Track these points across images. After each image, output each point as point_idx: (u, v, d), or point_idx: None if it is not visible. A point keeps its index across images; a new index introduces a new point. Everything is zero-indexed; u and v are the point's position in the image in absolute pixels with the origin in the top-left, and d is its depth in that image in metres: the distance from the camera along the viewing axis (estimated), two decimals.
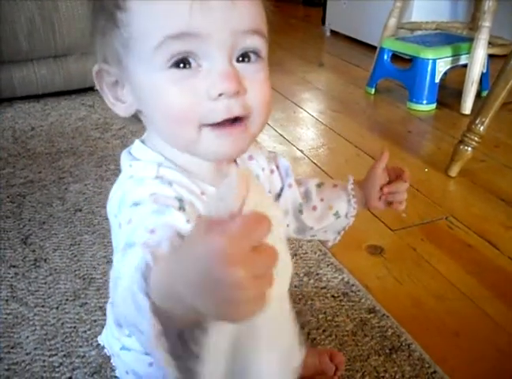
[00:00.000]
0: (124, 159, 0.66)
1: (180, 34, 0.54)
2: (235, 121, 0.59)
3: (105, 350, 0.86)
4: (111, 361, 0.83)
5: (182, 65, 0.56)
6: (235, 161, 0.70)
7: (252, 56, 0.59)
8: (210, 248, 0.34)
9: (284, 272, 0.43)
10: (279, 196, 0.78)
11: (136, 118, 0.66)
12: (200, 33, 0.54)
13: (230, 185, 0.39)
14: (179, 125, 0.59)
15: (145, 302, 0.42)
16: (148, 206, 0.55)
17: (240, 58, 0.58)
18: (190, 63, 0.56)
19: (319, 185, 0.83)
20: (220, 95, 0.56)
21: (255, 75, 0.59)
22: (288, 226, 0.81)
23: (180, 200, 0.57)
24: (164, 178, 0.60)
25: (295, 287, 1.14)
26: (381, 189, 0.82)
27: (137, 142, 0.67)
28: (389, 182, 0.82)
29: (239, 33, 0.57)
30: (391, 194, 0.81)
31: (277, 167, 0.78)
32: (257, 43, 0.59)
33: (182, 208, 0.57)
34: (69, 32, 2.03)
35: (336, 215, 0.82)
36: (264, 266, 0.35)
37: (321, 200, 0.82)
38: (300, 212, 0.81)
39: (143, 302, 0.42)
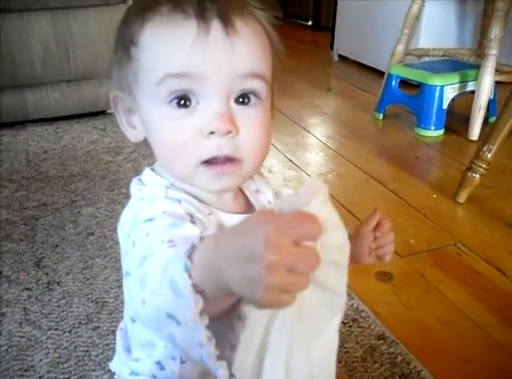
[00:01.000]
0: (134, 185, 0.68)
1: (180, 73, 0.57)
2: (228, 160, 0.60)
3: (115, 377, 0.87)
4: None
5: (181, 102, 0.59)
6: (240, 189, 0.72)
7: (251, 97, 0.61)
8: (258, 230, 0.38)
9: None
10: None
11: (147, 143, 0.69)
12: (198, 74, 0.57)
13: (308, 189, 0.44)
14: (175, 159, 0.61)
15: (187, 281, 0.43)
16: (164, 220, 0.57)
17: (240, 99, 0.60)
18: (189, 100, 0.59)
19: None
20: (212, 133, 0.58)
21: (251, 117, 0.61)
22: None
23: (191, 215, 0.60)
24: (173, 198, 0.62)
25: None
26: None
27: (146, 169, 0.69)
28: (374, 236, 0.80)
29: (237, 77, 0.58)
30: (380, 248, 0.80)
31: None
32: (257, 86, 0.60)
33: (193, 223, 0.58)
34: (82, 58, 2.07)
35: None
36: (301, 263, 0.37)
37: None
38: None
39: (184, 282, 0.43)
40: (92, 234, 1.43)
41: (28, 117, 2.13)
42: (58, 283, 1.24)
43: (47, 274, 1.27)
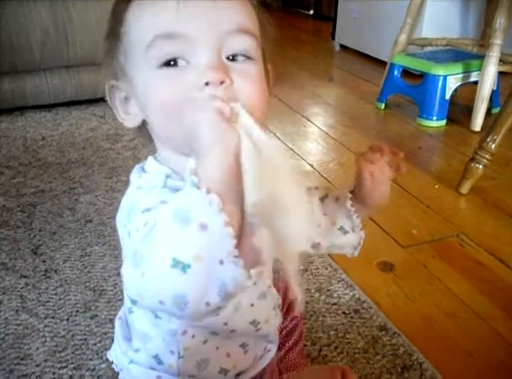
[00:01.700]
0: (134, 172, 0.67)
1: (168, 34, 0.57)
2: None
3: (113, 366, 0.86)
4: (119, 377, 0.82)
5: (172, 62, 0.58)
6: None
7: (240, 57, 0.60)
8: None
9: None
10: None
11: (145, 128, 0.67)
12: (187, 34, 0.57)
13: None
14: (171, 118, 0.58)
15: (198, 191, 0.47)
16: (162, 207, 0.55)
17: (231, 57, 0.59)
18: (180, 61, 0.58)
19: (322, 200, 0.80)
20: (207, 84, 0.56)
21: (244, 71, 0.60)
22: None
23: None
24: (172, 188, 0.60)
25: (306, 303, 1.13)
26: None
27: (149, 158, 0.68)
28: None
29: (225, 33, 0.58)
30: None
31: None
32: (247, 43, 0.60)
33: None
34: (81, 43, 2.05)
35: (342, 230, 0.79)
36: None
37: (325, 215, 0.79)
38: None
39: (196, 192, 0.47)
40: (90, 221, 1.42)
41: (27, 103, 2.11)
42: (56, 271, 1.22)
43: (44, 261, 1.25)
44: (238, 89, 0.58)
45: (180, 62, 0.58)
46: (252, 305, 0.71)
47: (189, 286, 0.46)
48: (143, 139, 0.70)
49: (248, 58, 0.60)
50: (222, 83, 0.56)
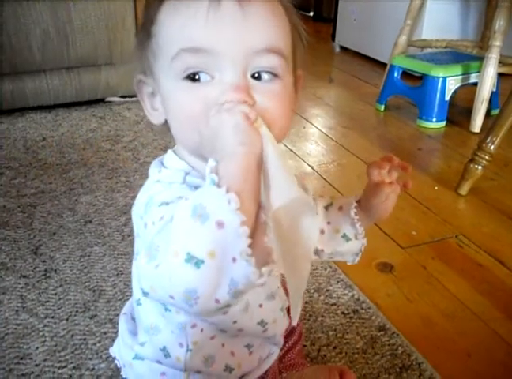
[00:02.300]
0: (154, 166, 0.68)
1: (193, 48, 0.56)
2: None
3: (116, 362, 0.86)
4: (122, 373, 0.82)
5: (196, 76, 0.57)
6: None
7: (265, 75, 0.59)
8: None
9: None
10: None
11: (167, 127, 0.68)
12: (212, 50, 0.56)
13: None
14: (190, 131, 0.59)
15: (218, 189, 0.48)
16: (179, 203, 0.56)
17: (256, 75, 0.58)
18: (204, 75, 0.57)
19: (327, 208, 0.82)
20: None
21: (269, 91, 0.59)
22: None
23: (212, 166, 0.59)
24: (191, 184, 0.61)
25: (306, 303, 1.13)
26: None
27: (169, 152, 0.68)
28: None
29: (253, 52, 0.57)
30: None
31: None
32: (274, 62, 0.59)
33: None
34: (82, 44, 2.05)
35: (345, 237, 0.80)
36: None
37: (328, 223, 0.81)
38: None
39: (215, 190, 0.48)
40: (90, 221, 1.42)
41: (27, 104, 2.11)
42: (56, 271, 1.22)
43: (44, 262, 1.25)
44: (260, 109, 0.57)
45: (203, 77, 0.57)
46: (260, 305, 0.72)
47: (201, 281, 0.47)
48: (166, 132, 0.70)
49: (274, 75, 0.59)
50: (244, 103, 0.56)
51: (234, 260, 0.46)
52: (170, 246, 0.48)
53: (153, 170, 0.67)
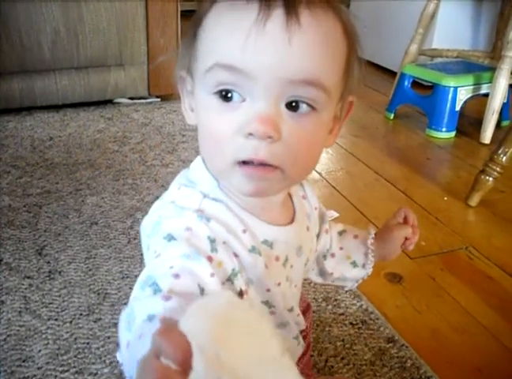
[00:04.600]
0: (178, 178, 0.66)
1: (228, 66, 0.53)
2: (264, 165, 0.55)
3: (121, 368, 0.84)
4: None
5: (228, 95, 0.54)
6: (290, 196, 0.69)
7: (303, 106, 0.55)
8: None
9: None
10: (317, 236, 0.77)
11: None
12: (248, 72, 0.52)
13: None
14: (214, 153, 0.58)
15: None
16: (180, 247, 0.54)
17: (293, 104, 0.54)
18: (235, 95, 0.54)
19: (341, 233, 0.83)
20: (251, 134, 0.53)
21: (300, 126, 0.55)
22: (312, 269, 0.82)
23: (212, 241, 0.57)
24: (205, 212, 0.59)
25: (313, 312, 1.11)
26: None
27: (198, 158, 0.66)
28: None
29: (290, 81, 0.53)
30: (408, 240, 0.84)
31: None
32: (313, 94, 0.54)
33: (214, 250, 0.56)
34: (92, 44, 2.04)
35: (354, 264, 0.83)
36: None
37: (341, 248, 0.82)
38: (324, 257, 0.81)
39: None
40: (96, 223, 1.40)
41: (35, 103, 2.10)
42: (60, 273, 1.21)
43: (48, 263, 1.24)
44: (285, 144, 0.54)
45: (236, 96, 0.54)
46: None
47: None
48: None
49: (312, 108, 0.55)
50: (267, 138, 0.53)
51: None
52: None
53: (175, 184, 0.64)
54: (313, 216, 0.74)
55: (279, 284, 0.65)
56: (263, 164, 0.55)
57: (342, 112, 0.63)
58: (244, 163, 0.55)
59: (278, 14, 0.51)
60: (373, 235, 0.82)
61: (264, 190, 0.59)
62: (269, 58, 0.51)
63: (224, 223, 0.59)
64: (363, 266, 0.82)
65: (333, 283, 0.88)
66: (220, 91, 0.54)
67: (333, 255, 0.81)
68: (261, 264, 0.61)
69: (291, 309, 0.71)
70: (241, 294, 0.59)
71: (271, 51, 0.51)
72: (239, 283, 0.59)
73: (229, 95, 0.54)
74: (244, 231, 0.60)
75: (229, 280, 0.58)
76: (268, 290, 0.64)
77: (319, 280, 0.85)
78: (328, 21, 0.55)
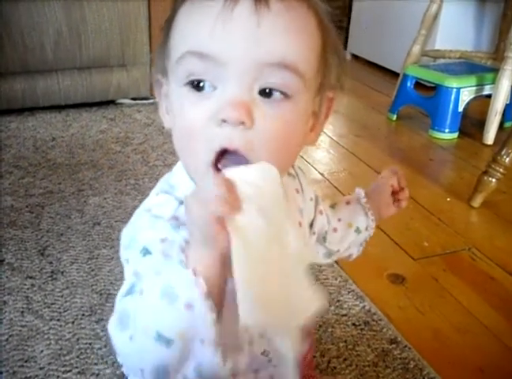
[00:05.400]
0: (160, 183, 0.64)
1: (198, 53, 0.52)
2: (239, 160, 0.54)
3: (123, 369, 0.84)
4: None
5: (199, 84, 0.53)
6: None
7: (277, 94, 0.53)
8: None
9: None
10: (311, 224, 0.76)
11: None
12: (218, 58, 0.51)
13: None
14: (188, 149, 0.56)
15: (186, 271, 0.47)
16: (155, 259, 0.53)
17: (267, 90, 0.53)
18: (206, 84, 0.53)
19: (333, 206, 0.82)
20: (224, 121, 0.52)
21: (274, 112, 0.53)
22: (318, 253, 0.81)
23: (187, 241, 0.55)
24: (180, 219, 0.56)
25: None
26: (392, 194, 0.82)
27: (179, 162, 0.64)
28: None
29: (262, 65, 0.51)
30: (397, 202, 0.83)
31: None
32: (286, 79, 0.52)
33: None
34: (94, 45, 2.05)
35: (357, 231, 0.82)
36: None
37: (339, 220, 0.81)
38: (324, 239, 0.80)
39: (183, 272, 0.47)
40: (99, 224, 1.40)
41: (38, 104, 2.10)
42: (62, 273, 1.21)
43: (50, 263, 1.24)
44: (259, 131, 0.52)
45: (207, 86, 0.53)
46: (262, 335, 0.69)
47: (170, 359, 0.48)
48: None
49: (285, 95, 0.53)
50: (240, 124, 0.51)
51: (202, 342, 0.47)
52: (140, 322, 0.48)
53: (155, 190, 0.63)
54: (307, 209, 0.73)
55: None
56: (238, 156, 0.53)
57: (321, 108, 0.61)
58: (217, 160, 0.53)
59: (246, 0, 0.50)
60: (363, 194, 0.81)
61: None
62: (237, 41, 0.50)
63: None
64: (366, 229, 0.81)
65: (341, 257, 0.87)
66: (192, 82, 0.53)
67: (335, 230, 0.80)
68: None
69: None
70: None
71: (240, 35, 0.50)
72: None
73: (201, 84, 0.53)
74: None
75: None
76: None
77: (328, 261, 0.84)
78: (300, 11, 0.54)
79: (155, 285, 0.48)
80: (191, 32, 0.53)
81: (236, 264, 0.46)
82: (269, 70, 0.51)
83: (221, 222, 0.46)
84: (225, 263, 0.48)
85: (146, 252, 0.53)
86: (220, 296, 0.49)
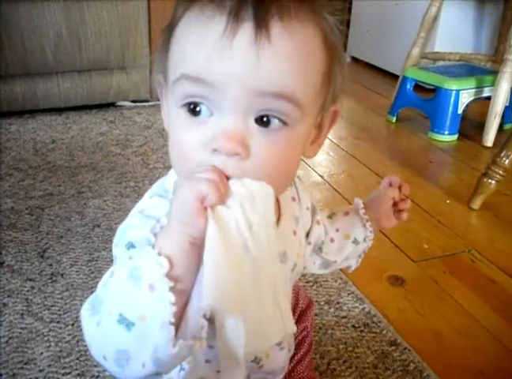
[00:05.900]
0: (155, 186, 0.64)
1: (194, 78, 0.51)
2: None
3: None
4: None
5: (195, 108, 0.52)
6: (277, 200, 0.67)
7: (274, 121, 0.52)
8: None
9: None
10: (308, 234, 0.76)
11: None
12: (215, 85, 0.50)
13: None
14: (180, 167, 0.56)
15: (152, 250, 0.48)
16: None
17: (264, 119, 0.52)
18: (202, 109, 0.52)
19: (331, 217, 0.82)
20: (216, 150, 0.51)
21: (270, 141, 0.52)
22: (314, 263, 0.81)
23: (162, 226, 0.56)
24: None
25: (316, 315, 1.11)
26: (393, 205, 0.83)
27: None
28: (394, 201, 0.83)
29: (258, 94, 0.50)
30: (398, 212, 0.84)
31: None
32: (284, 108, 0.51)
33: None
34: (94, 47, 2.05)
35: (355, 242, 0.81)
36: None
37: (337, 230, 0.81)
38: (320, 249, 0.79)
39: (150, 251, 0.48)
40: (98, 226, 1.40)
41: (38, 106, 2.10)
42: (62, 275, 1.21)
43: (50, 265, 1.24)
44: (255, 160, 0.52)
45: (204, 110, 0.52)
46: None
47: (131, 343, 0.47)
48: None
49: (284, 123, 0.52)
50: (234, 155, 0.51)
51: (162, 326, 0.46)
52: (107, 305, 0.48)
53: (149, 193, 0.63)
54: (303, 217, 0.72)
55: None
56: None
57: (325, 122, 0.61)
58: None
59: (246, 27, 0.49)
60: (362, 205, 0.81)
61: None
62: (235, 69, 0.49)
63: None
64: (365, 240, 0.81)
65: (339, 267, 0.86)
66: (188, 104, 0.52)
67: (332, 240, 0.79)
68: None
69: None
70: None
71: (237, 65, 0.49)
72: None
73: (197, 108, 0.52)
74: None
75: None
76: None
77: (323, 272, 0.84)
78: (304, 34, 0.52)
79: (124, 267, 0.48)
80: (189, 55, 0.52)
81: (208, 252, 0.47)
82: (266, 100, 0.50)
83: (203, 207, 0.48)
84: (197, 249, 0.48)
85: (131, 246, 0.54)
86: (187, 280, 0.49)
